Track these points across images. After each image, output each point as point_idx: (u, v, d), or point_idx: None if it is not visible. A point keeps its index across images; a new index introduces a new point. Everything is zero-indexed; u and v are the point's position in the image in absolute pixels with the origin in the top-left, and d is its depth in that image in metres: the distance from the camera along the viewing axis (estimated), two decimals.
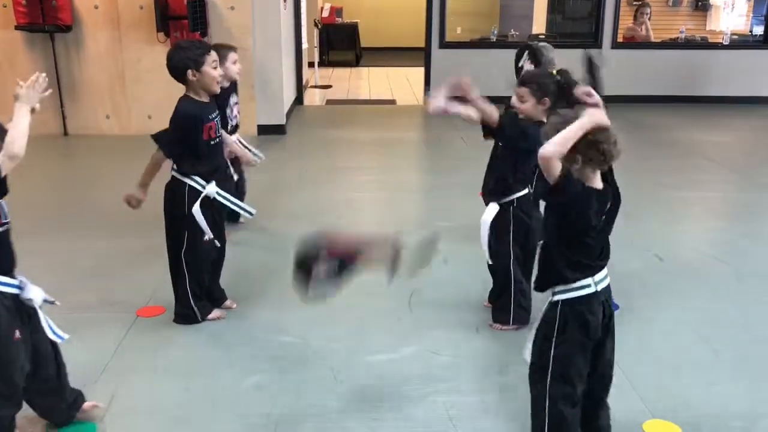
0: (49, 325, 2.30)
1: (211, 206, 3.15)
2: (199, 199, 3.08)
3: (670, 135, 7.24)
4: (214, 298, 3.35)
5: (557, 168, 1.97)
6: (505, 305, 3.24)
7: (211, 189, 3.12)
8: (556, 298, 2.16)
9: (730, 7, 9.93)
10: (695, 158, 6.33)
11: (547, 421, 2.22)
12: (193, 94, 3.10)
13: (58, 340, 2.32)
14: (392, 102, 9.58)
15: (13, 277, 2.21)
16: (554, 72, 3.03)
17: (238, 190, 4.13)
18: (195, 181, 3.09)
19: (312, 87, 10.59)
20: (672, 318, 3.36)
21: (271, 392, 2.73)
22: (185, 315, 3.24)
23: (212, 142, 3.13)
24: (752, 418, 2.61)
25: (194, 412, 2.61)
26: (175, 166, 3.13)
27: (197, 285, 3.22)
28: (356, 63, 13.48)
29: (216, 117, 3.15)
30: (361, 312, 3.41)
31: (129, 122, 7.18)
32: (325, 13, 13.30)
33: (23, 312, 2.23)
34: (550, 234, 2.17)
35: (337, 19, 13.56)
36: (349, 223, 4.69)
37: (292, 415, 2.59)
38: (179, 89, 6.69)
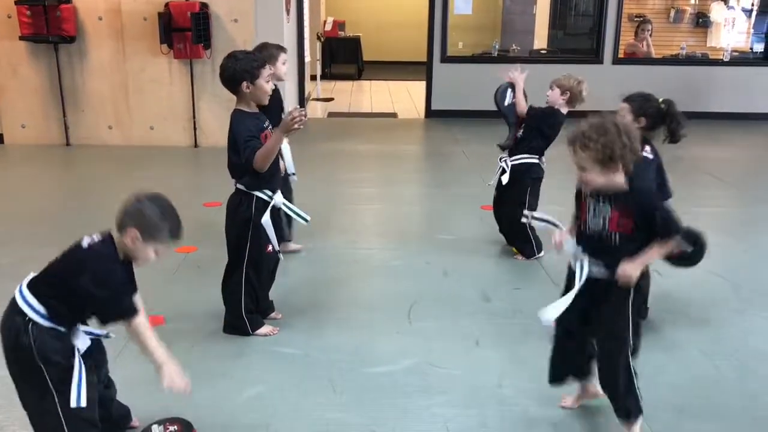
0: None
1: (274, 217, 3.16)
2: (269, 210, 3.09)
3: (671, 150, 7.23)
4: (262, 309, 3.35)
5: None
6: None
7: (279, 198, 3.15)
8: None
9: (730, 25, 9.97)
10: (696, 174, 6.34)
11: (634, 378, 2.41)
12: (245, 105, 3.07)
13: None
14: (394, 115, 9.61)
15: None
16: (660, 100, 3.17)
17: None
18: (263, 193, 3.10)
19: (314, 100, 10.63)
20: (672, 333, 3.36)
21: (270, 403, 2.73)
22: (236, 326, 3.24)
23: None
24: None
25: (193, 423, 2.60)
26: (240, 180, 3.10)
27: (251, 298, 3.22)
28: (358, 76, 13.54)
29: (269, 125, 3.13)
30: (361, 324, 3.41)
31: (131, 133, 7.20)
32: (328, 27, 13.37)
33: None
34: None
35: (339, 32, 13.63)
36: (350, 234, 4.70)
37: (291, 427, 2.58)
38: (181, 101, 6.76)
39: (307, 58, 9.67)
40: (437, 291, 3.81)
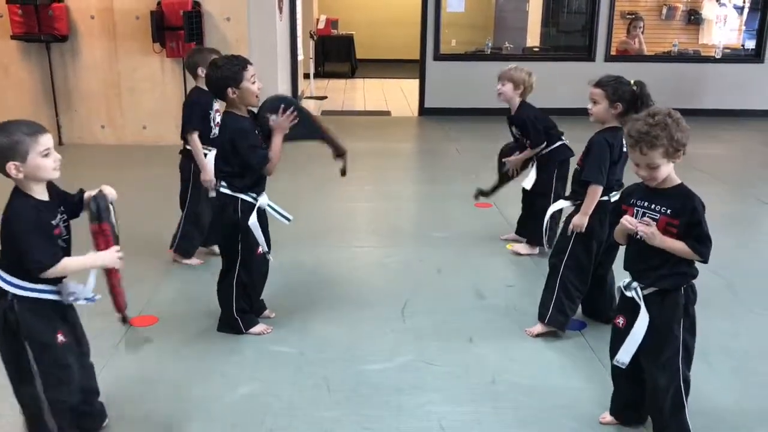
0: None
1: (262, 218, 3.16)
2: (255, 211, 3.08)
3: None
4: (255, 308, 3.35)
5: None
6: (545, 301, 3.27)
7: (264, 200, 3.15)
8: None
9: (722, 22, 10.00)
10: (687, 170, 6.32)
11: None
12: (235, 109, 3.06)
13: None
14: (387, 113, 9.61)
15: (53, 283, 2.20)
16: (631, 82, 3.09)
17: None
18: (248, 195, 3.08)
19: (307, 98, 10.62)
20: None
21: (264, 402, 2.73)
22: (229, 325, 3.24)
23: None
24: (745, 428, 2.62)
25: (187, 421, 2.60)
26: (224, 184, 3.07)
27: (245, 300, 3.22)
28: (351, 74, 13.53)
29: (258, 130, 3.13)
30: (355, 322, 3.41)
31: (124, 132, 7.18)
32: (321, 25, 13.36)
33: (67, 316, 2.26)
34: None
35: (332, 30, 13.62)
36: (344, 232, 4.70)
37: (286, 425, 2.59)
38: (174, 100, 6.71)
39: (300, 56, 9.66)
40: (431, 288, 3.82)
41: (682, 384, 2.37)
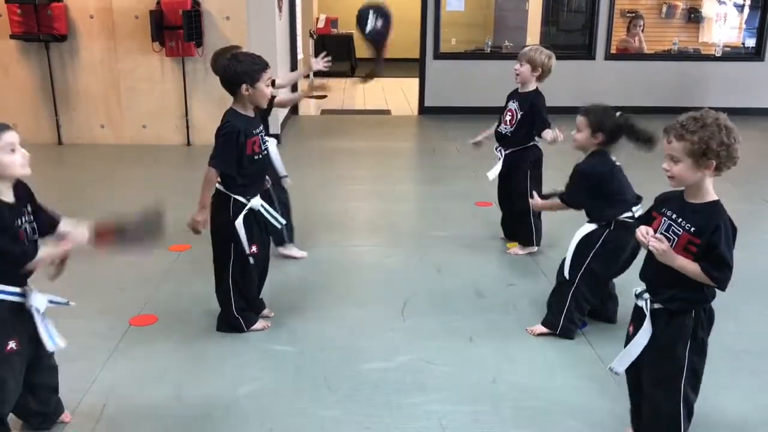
0: (47, 331, 2.23)
1: (255, 220, 3.15)
2: (243, 213, 3.06)
3: (662, 145, 7.25)
4: (254, 307, 3.35)
5: None
6: (555, 311, 3.24)
7: (256, 202, 3.13)
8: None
9: (722, 20, 9.99)
10: None
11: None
12: (241, 107, 3.04)
13: (50, 348, 2.24)
14: (387, 112, 9.61)
15: (18, 285, 2.17)
16: (618, 113, 3.07)
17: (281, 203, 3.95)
18: (241, 196, 3.08)
19: (307, 97, 10.60)
20: None
21: (264, 401, 2.73)
22: (230, 324, 3.24)
23: (256, 157, 3.08)
24: (746, 428, 2.62)
25: (186, 421, 2.60)
26: (219, 179, 3.09)
27: (243, 297, 3.22)
28: (351, 73, 13.51)
29: (260, 132, 3.11)
30: (355, 321, 3.41)
31: (123, 131, 7.17)
32: (321, 24, 13.35)
33: (26, 319, 2.20)
34: None
35: (332, 29, 13.60)
36: (344, 232, 4.70)
37: (286, 425, 2.59)
38: (173, 99, 6.73)
39: (300, 56, 9.64)
40: (431, 288, 3.81)
41: (682, 407, 2.28)
